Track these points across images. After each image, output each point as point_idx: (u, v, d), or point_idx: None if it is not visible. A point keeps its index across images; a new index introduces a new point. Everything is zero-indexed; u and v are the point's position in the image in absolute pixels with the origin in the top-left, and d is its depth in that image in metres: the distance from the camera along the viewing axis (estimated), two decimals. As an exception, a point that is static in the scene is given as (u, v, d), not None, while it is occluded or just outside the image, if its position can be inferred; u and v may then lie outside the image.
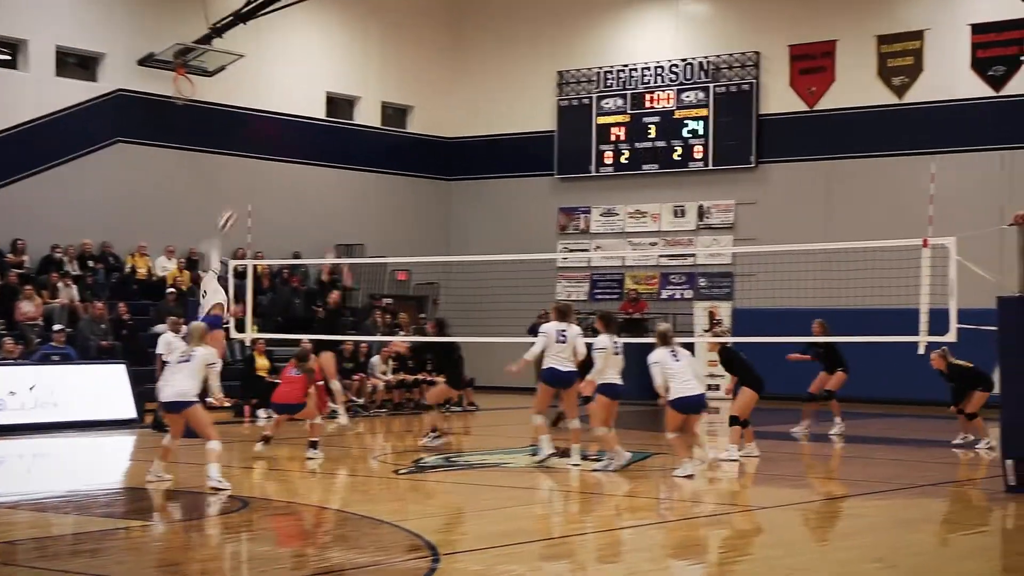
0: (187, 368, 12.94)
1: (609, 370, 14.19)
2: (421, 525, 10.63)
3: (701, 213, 29.44)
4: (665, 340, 13.99)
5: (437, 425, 16.90)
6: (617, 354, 14.33)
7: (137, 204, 26.41)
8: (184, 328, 17.35)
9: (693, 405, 13.90)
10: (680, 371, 13.81)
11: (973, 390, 17.26)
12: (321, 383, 16.46)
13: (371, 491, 13.25)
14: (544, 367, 14.85)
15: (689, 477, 13.71)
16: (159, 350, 18.69)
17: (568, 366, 14.74)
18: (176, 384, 12.93)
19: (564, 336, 14.75)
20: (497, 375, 29.55)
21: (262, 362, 22.30)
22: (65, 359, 20.60)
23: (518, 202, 31.49)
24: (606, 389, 14.23)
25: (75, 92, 25.87)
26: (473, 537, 10.25)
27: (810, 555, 9.65)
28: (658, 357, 13.92)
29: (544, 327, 15.04)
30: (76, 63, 26.36)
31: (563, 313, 15.01)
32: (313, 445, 15.51)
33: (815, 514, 11.99)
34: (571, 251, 30.50)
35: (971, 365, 17.32)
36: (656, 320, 28.51)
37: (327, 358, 19.71)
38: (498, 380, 29.44)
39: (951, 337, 13.89)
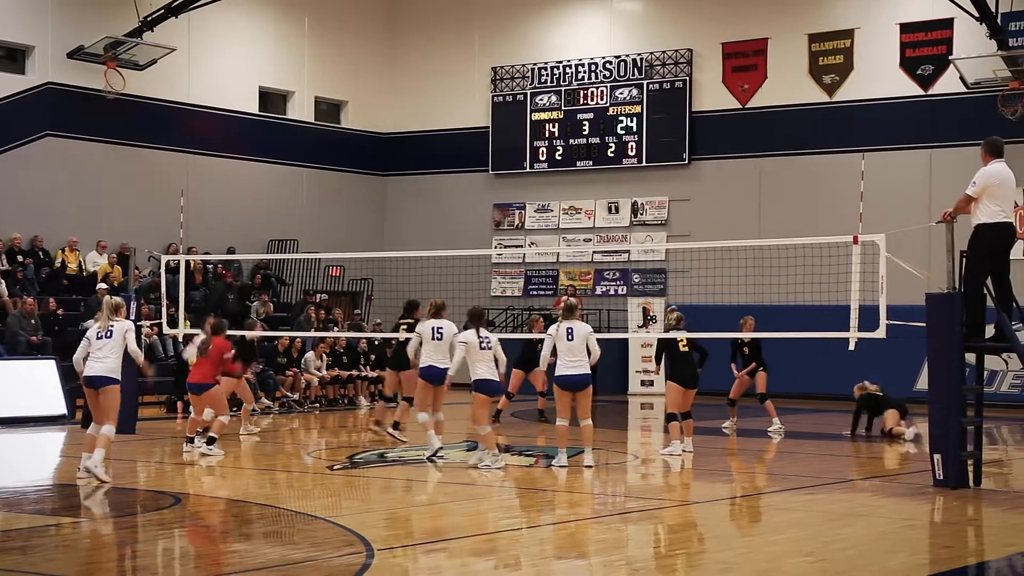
0: (109, 344, 12.98)
1: (480, 365, 14.17)
2: (355, 521, 10.60)
3: (635, 209, 29.58)
4: (568, 314, 14.11)
5: (382, 419, 17.12)
6: (486, 348, 14.24)
7: (67, 198, 26.10)
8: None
9: (575, 384, 13.99)
10: (570, 349, 13.94)
11: (887, 409, 17.92)
12: (229, 357, 15.91)
13: (305, 487, 13.19)
14: (422, 364, 15.01)
15: (590, 467, 14.05)
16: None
17: (444, 363, 14.86)
18: (103, 360, 12.99)
19: (440, 333, 14.91)
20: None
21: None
22: (-8, 356, 20.30)
23: (453, 198, 31.47)
24: (479, 386, 14.22)
25: (3, 85, 25.50)
26: (407, 533, 10.24)
27: (741, 550, 9.73)
28: (553, 330, 14.12)
29: (420, 327, 15.32)
30: (4, 55, 25.97)
31: (438, 309, 15.13)
32: (210, 441, 15.27)
33: (746, 509, 12.09)
34: (506, 247, 30.54)
35: (881, 393, 18.28)
36: (587, 316, 28.64)
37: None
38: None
39: (880, 333, 14.06)
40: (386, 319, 27.69)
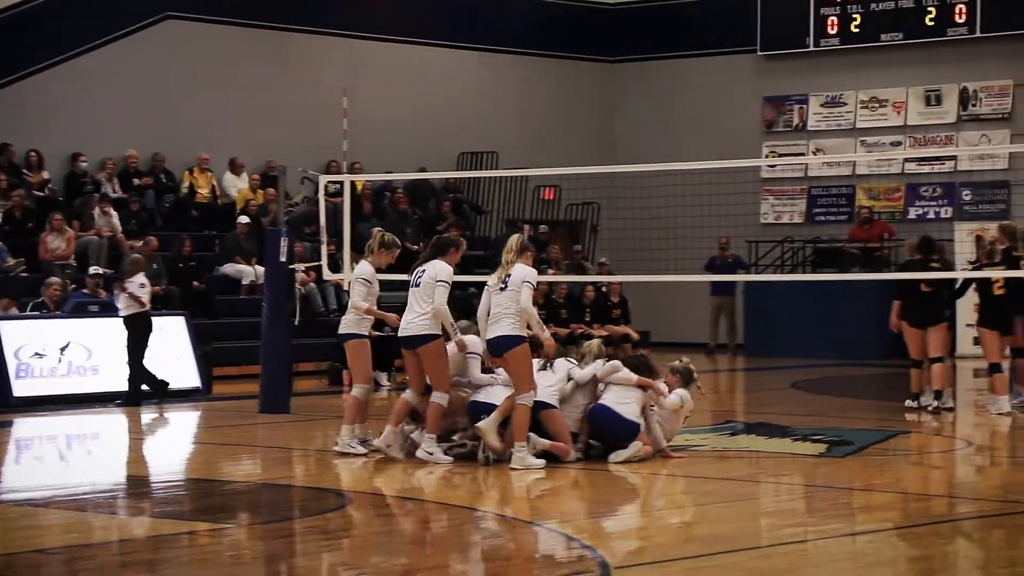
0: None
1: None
2: (582, 527, 10.71)
3: (964, 99, 28.93)
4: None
5: None
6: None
7: (195, 102, 26.67)
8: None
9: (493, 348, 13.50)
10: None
11: None
12: None
13: (512, 482, 13.30)
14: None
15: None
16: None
17: None
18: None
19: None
20: (678, 326, 29.63)
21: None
22: (106, 310, 20.97)
23: (706, 90, 31.23)
24: None
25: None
26: (655, 545, 10.29)
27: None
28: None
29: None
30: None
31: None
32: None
33: None
34: (781, 156, 30.22)
35: None
36: (898, 251, 28.15)
37: None
38: (677, 334, 29.48)
39: None
40: (616, 257, 27.74)
